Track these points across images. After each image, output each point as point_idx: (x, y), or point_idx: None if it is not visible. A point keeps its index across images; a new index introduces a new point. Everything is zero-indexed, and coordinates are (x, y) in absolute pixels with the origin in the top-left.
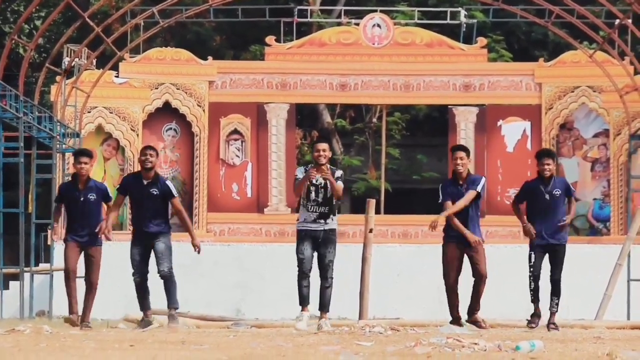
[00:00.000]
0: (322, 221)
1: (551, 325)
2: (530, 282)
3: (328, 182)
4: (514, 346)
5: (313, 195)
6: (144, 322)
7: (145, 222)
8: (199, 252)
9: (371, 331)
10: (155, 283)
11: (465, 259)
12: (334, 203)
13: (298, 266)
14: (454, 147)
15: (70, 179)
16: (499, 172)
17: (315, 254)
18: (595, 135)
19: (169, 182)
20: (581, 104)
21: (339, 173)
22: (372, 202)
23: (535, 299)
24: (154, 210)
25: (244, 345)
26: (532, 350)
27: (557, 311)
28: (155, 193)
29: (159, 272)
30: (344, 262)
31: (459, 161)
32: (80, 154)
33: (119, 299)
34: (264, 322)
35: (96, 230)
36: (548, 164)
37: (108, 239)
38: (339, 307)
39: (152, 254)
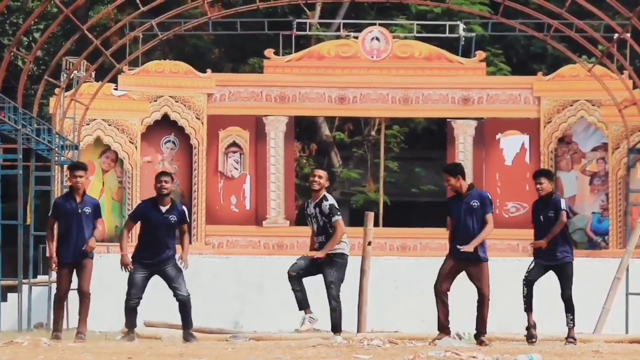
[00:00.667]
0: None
1: (569, 339)
2: (523, 288)
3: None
4: (513, 359)
5: (312, 225)
6: (129, 337)
7: (159, 249)
8: (185, 267)
9: (369, 344)
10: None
11: (466, 278)
12: (331, 232)
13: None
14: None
15: (67, 192)
16: (497, 186)
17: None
18: (594, 149)
19: (184, 208)
20: (580, 118)
21: (326, 205)
22: (370, 215)
23: (528, 307)
24: (168, 237)
25: (242, 357)
26: None
27: (573, 326)
28: (172, 221)
29: (177, 297)
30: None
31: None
32: (76, 167)
33: (116, 311)
34: (262, 335)
35: (83, 248)
36: (540, 183)
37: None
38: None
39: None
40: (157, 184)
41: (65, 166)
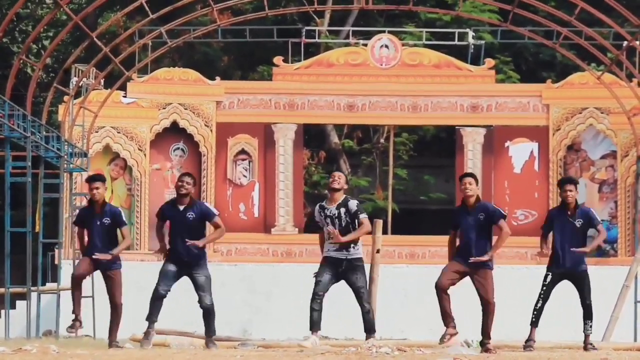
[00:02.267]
0: (344, 251)
1: (589, 345)
2: (538, 301)
3: (343, 214)
4: None
5: (330, 228)
6: (147, 335)
7: (183, 247)
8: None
9: (378, 352)
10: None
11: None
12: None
13: (314, 287)
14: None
15: (87, 204)
16: (506, 193)
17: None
18: (603, 157)
19: (207, 204)
20: (589, 126)
21: (354, 203)
22: (379, 223)
23: (535, 321)
24: (190, 236)
25: None
26: None
27: (591, 333)
28: (191, 218)
29: (201, 304)
30: None
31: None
32: (93, 179)
33: (125, 319)
34: (270, 342)
35: (107, 259)
36: (571, 191)
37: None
38: (345, 327)
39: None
40: (177, 183)
41: (75, 173)
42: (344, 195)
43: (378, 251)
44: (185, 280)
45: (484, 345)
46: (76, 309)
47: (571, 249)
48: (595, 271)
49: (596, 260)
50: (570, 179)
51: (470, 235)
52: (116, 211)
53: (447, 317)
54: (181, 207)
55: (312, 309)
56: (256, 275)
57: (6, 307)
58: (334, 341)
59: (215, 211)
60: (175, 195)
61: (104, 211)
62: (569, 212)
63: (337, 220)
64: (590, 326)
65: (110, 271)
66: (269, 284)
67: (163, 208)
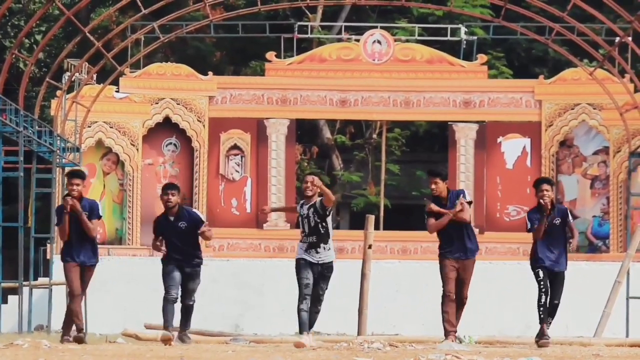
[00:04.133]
0: (313, 251)
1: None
2: (540, 296)
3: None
4: None
5: (302, 226)
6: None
7: (181, 255)
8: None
9: (370, 347)
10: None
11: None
12: (324, 231)
13: (300, 290)
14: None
15: (64, 198)
16: (499, 189)
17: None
18: (595, 153)
19: (194, 210)
20: (581, 122)
21: (319, 202)
22: (371, 218)
23: (544, 317)
24: (184, 244)
25: None
26: None
27: (548, 329)
28: (183, 227)
29: (185, 303)
30: (342, 278)
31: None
32: (73, 175)
33: (117, 313)
34: (262, 338)
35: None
36: (547, 190)
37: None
38: (337, 323)
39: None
40: (162, 196)
41: (67, 168)
42: (319, 198)
43: (370, 247)
44: None
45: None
46: (79, 323)
47: (559, 250)
48: (588, 267)
49: (588, 256)
50: (547, 179)
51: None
52: (93, 203)
53: (452, 329)
54: (172, 218)
55: (301, 310)
56: (248, 271)
57: None
58: (325, 337)
59: (203, 218)
60: (164, 209)
61: (81, 206)
62: (546, 212)
63: (306, 219)
64: (550, 323)
65: (87, 267)
66: (261, 279)
67: (158, 223)
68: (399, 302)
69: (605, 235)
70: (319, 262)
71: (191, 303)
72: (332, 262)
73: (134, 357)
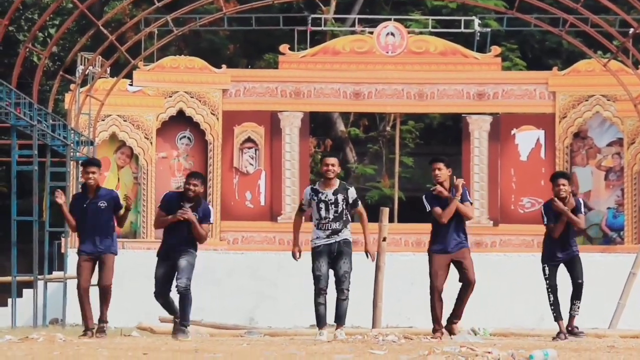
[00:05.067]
0: (335, 236)
1: (575, 328)
2: (549, 296)
3: (340, 200)
4: (528, 355)
5: (323, 212)
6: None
7: (179, 243)
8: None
9: (384, 340)
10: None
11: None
12: (346, 217)
13: (315, 284)
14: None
15: (81, 189)
16: (513, 181)
17: (331, 271)
18: (609, 144)
19: (210, 208)
20: (595, 113)
21: (353, 193)
22: (385, 211)
23: (557, 315)
24: (189, 231)
25: (257, 353)
26: (546, 359)
27: (577, 315)
28: (196, 217)
29: (177, 286)
30: (357, 270)
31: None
32: (89, 163)
33: (132, 306)
34: (277, 331)
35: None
36: (564, 185)
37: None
38: (352, 315)
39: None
40: (185, 185)
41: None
42: (339, 181)
43: (384, 239)
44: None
45: (451, 322)
46: (88, 321)
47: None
48: (602, 259)
49: (603, 248)
50: (563, 173)
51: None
52: (114, 193)
53: (439, 323)
54: (187, 205)
55: (318, 304)
56: (262, 264)
57: (13, 296)
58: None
59: (213, 216)
60: (183, 190)
61: (98, 195)
62: (564, 214)
63: (332, 206)
64: (578, 307)
65: (105, 255)
66: (275, 272)
67: (169, 200)
68: (414, 295)
69: (619, 227)
70: (338, 240)
71: (182, 286)
72: (351, 240)
73: (148, 351)
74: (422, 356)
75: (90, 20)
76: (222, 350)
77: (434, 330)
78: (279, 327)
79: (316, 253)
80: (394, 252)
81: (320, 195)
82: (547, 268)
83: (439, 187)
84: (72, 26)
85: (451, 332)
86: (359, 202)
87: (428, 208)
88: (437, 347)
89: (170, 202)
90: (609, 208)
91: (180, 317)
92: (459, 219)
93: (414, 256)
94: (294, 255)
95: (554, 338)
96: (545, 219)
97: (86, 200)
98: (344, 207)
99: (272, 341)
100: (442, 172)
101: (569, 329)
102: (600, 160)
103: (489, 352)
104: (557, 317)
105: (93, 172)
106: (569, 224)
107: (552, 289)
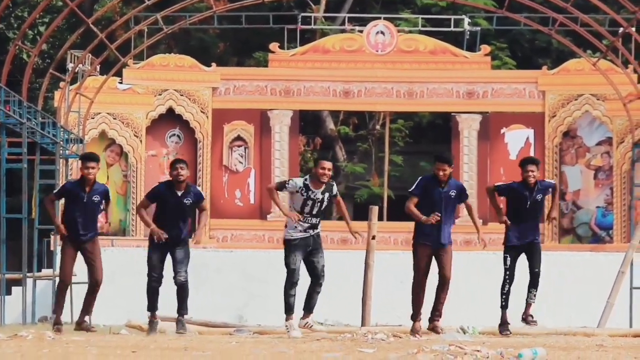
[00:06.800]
0: (311, 230)
1: (529, 317)
2: (504, 285)
3: (326, 199)
4: (517, 354)
5: (308, 208)
6: (152, 325)
7: (172, 230)
8: (194, 242)
9: (373, 338)
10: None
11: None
12: (322, 215)
13: (288, 276)
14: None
15: (78, 179)
16: (502, 180)
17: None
18: (599, 143)
19: (199, 189)
20: (584, 112)
21: (335, 189)
22: (374, 209)
23: (505, 305)
24: (182, 220)
25: (246, 351)
26: (535, 357)
27: (534, 302)
28: (188, 203)
29: (176, 279)
30: (346, 269)
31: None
32: (88, 159)
33: (121, 304)
34: (266, 329)
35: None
36: (532, 171)
37: (160, 239)
38: (341, 313)
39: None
40: (172, 172)
41: (71, 160)
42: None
43: (374, 237)
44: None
45: (432, 321)
46: (59, 313)
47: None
48: (591, 257)
49: (592, 247)
50: (532, 159)
51: (441, 210)
52: (105, 187)
53: (417, 317)
54: (179, 193)
55: (289, 295)
56: (252, 262)
57: (2, 293)
58: (329, 327)
59: (203, 194)
60: (172, 179)
61: (94, 189)
62: (530, 190)
63: (318, 204)
64: (534, 295)
65: (90, 244)
66: (265, 270)
67: (159, 191)
68: (403, 293)
69: (608, 226)
70: (312, 234)
71: (182, 280)
72: (320, 233)
73: (137, 349)
74: (411, 355)
75: (80, 18)
76: (211, 348)
77: (415, 318)
78: (268, 325)
79: (292, 246)
80: (384, 251)
81: (310, 193)
82: (508, 258)
83: (435, 218)
84: (62, 24)
85: (434, 330)
86: (337, 193)
87: (410, 196)
88: (426, 346)
89: (158, 194)
90: (598, 207)
91: (181, 309)
92: (449, 215)
93: (403, 254)
94: (292, 220)
95: (501, 331)
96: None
97: (81, 192)
98: (326, 203)
99: (261, 339)
100: (447, 174)
101: (524, 316)
102: (590, 160)
103: (478, 351)
104: (505, 306)
105: (92, 167)
106: (533, 211)
107: (510, 279)
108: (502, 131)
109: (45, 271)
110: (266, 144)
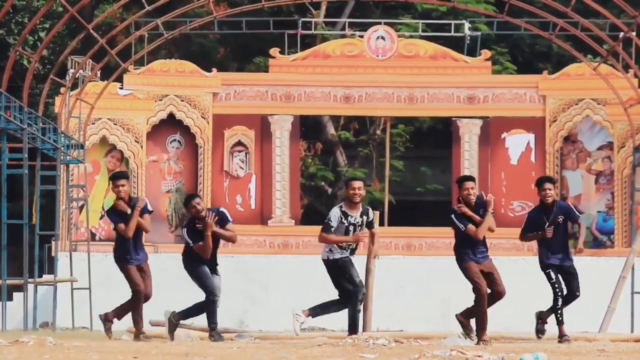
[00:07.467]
0: (351, 255)
1: (565, 336)
2: (557, 299)
3: (364, 223)
4: (518, 359)
5: (351, 234)
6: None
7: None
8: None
9: (375, 343)
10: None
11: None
12: None
13: (358, 291)
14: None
15: (116, 202)
16: (503, 185)
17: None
18: (600, 148)
19: (223, 210)
20: (585, 117)
21: (371, 214)
22: (375, 214)
23: (562, 319)
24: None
25: (247, 357)
26: None
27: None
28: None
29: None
30: None
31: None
32: (117, 177)
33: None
34: (267, 334)
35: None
36: (549, 189)
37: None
38: (342, 319)
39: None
40: (191, 210)
41: (72, 165)
42: (363, 205)
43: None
44: (180, 275)
45: (480, 336)
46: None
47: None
48: (592, 262)
49: (593, 252)
50: (549, 178)
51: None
52: (145, 200)
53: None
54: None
55: (358, 312)
56: (253, 267)
57: (3, 299)
58: (331, 333)
59: (230, 217)
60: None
61: (131, 205)
62: (548, 212)
63: (359, 228)
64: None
65: (144, 264)
66: (266, 276)
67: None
68: (404, 298)
69: (610, 231)
70: (350, 258)
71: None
72: None
73: (139, 354)
74: None
75: (80, 24)
76: (212, 353)
77: (482, 339)
78: (269, 331)
79: (345, 263)
80: (384, 256)
81: (349, 218)
82: (552, 272)
83: (463, 207)
84: (63, 30)
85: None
86: (375, 224)
87: (462, 227)
88: (428, 351)
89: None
90: (599, 212)
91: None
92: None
93: (404, 259)
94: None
95: (559, 341)
96: (525, 225)
97: (125, 214)
98: (364, 227)
99: (262, 344)
100: (475, 191)
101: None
102: (591, 164)
103: (479, 356)
104: (561, 322)
105: (122, 185)
106: (558, 233)
107: (561, 292)
108: (502, 136)
109: (47, 277)
110: (267, 149)
